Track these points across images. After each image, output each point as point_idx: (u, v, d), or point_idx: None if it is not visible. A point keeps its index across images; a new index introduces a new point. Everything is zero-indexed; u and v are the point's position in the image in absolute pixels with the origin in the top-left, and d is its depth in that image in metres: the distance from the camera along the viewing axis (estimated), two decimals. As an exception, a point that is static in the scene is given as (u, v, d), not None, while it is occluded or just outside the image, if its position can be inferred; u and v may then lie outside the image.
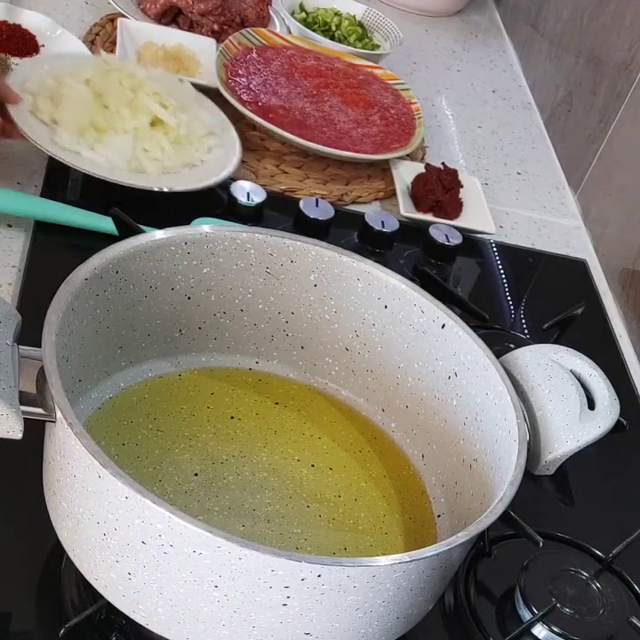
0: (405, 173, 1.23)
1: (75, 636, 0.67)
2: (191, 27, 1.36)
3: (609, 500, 0.93)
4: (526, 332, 1.09)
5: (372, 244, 1.13)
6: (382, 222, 1.14)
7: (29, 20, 1.23)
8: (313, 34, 1.43)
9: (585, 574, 0.78)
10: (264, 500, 0.73)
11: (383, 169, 1.24)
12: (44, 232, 0.98)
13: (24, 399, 0.61)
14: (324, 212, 1.11)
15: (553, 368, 0.78)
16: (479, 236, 1.21)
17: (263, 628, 0.60)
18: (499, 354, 0.77)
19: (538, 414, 0.76)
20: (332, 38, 1.45)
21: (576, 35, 1.52)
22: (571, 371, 0.79)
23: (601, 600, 0.77)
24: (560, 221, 1.33)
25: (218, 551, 0.56)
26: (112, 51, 1.25)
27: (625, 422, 0.93)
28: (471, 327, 0.77)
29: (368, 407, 0.83)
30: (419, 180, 1.20)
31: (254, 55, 1.31)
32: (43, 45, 1.22)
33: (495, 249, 1.21)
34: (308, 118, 1.24)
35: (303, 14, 1.49)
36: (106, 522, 0.60)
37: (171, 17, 1.37)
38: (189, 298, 0.77)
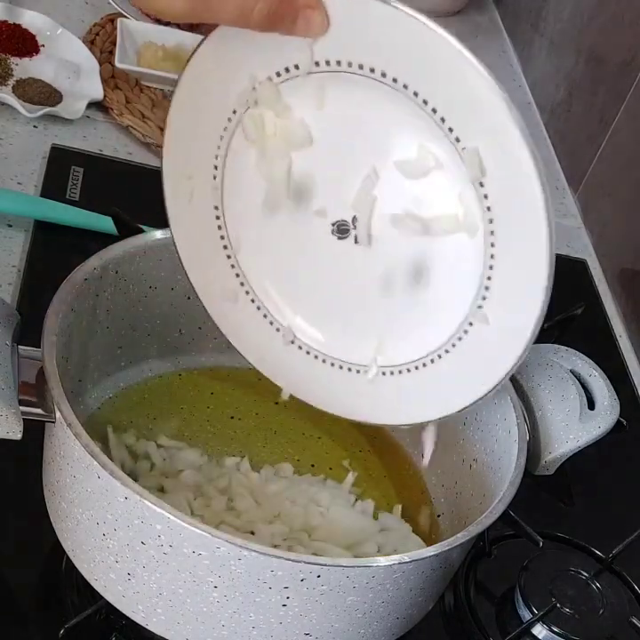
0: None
1: (74, 636, 0.67)
2: (191, 27, 1.36)
3: (609, 500, 0.92)
4: (526, 331, 1.08)
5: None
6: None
7: (29, 19, 1.23)
8: (313, 34, 1.42)
9: (585, 574, 0.78)
10: (264, 501, 0.73)
11: (383, 169, 1.24)
12: (43, 232, 0.98)
13: (23, 399, 0.61)
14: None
15: (553, 368, 0.78)
16: (479, 235, 1.21)
17: (263, 629, 0.60)
18: (499, 354, 0.77)
19: (538, 414, 0.76)
20: (332, 38, 1.44)
21: (576, 35, 1.52)
22: (571, 371, 0.79)
23: (601, 600, 0.77)
24: (560, 221, 1.33)
25: (217, 552, 0.56)
26: (112, 51, 1.25)
27: (625, 422, 0.93)
28: (471, 327, 0.76)
29: (368, 407, 0.82)
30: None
31: (254, 55, 1.31)
32: (43, 45, 1.22)
33: (495, 249, 1.21)
34: (308, 118, 1.23)
35: (303, 14, 1.49)
36: (105, 522, 0.60)
37: (171, 17, 1.37)
38: (189, 298, 0.77)
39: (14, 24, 1.22)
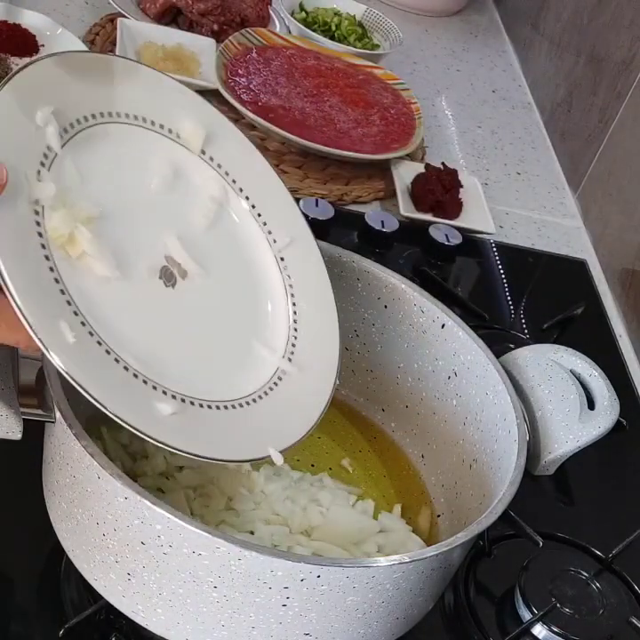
0: (405, 173, 1.22)
1: (74, 636, 0.67)
2: (191, 27, 1.36)
3: (609, 499, 0.92)
4: (526, 332, 1.08)
5: (372, 244, 1.13)
6: (382, 222, 1.14)
7: (29, 19, 1.23)
8: (313, 34, 1.43)
9: (585, 574, 0.78)
10: (264, 501, 0.73)
11: (383, 169, 1.24)
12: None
13: (23, 399, 0.61)
14: (323, 211, 1.11)
15: (553, 368, 0.78)
16: (479, 235, 1.21)
17: (263, 629, 0.60)
18: (499, 354, 0.77)
19: (538, 414, 0.76)
20: (332, 38, 1.45)
21: (576, 35, 1.52)
22: (571, 371, 0.79)
23: (601, 600, 0.77)
24: (560, 221, 1.33)
25: (217, 552, 0.56)
26: (112, 51, 1.25)
27: (625, 422, 0.94)
28: (471, 327, 0.77)
29: (368, 407, 0.83)
30: (419, 179, 1.20)
31: (254, 55, 1.31)
32: (43, 45, 1.22)
33: (495, 249, 1.21)
34: (308, 118, 1.24)
35: (303, 14, 1.49)
36: (105, 522, 0.60)
37: (171, 17, 1.37)
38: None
39: (14, 24, 1.22)
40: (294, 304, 0.70)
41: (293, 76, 1.30)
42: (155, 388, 0.60)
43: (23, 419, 0.60)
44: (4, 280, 0.54)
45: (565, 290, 1.20)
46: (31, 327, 0.54)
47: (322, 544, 0.68)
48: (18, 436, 0.60)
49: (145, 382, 0.59)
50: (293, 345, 0.69)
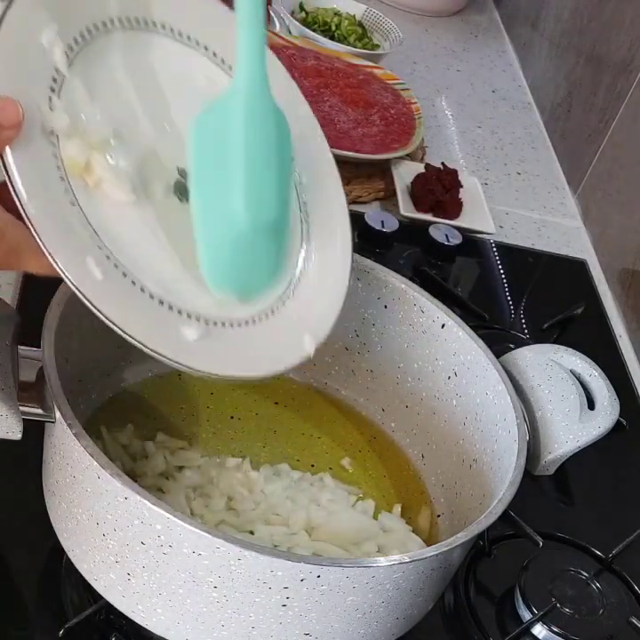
0: (405, 173, 1.22)
1: (74, 636, 0.67)
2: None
3: (609, 499, 0.93)
4: (526, 332, 1.09)
5: (372, 244, 1.13)
6: (382, 222, 1.14)
7: (29, 20, 1.23)
8: (313, 34, 1.43)
9: (585, 574, 0.78)
10: (264, 501, 0.73)
11: (383, 169, 1.24)
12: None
13: (23, 399, 0.61)
14: (323, 211, 1.11)
15: (553, 368, 0.78)
16: (479, 235, 1.21)
17: (262, 629, 0.60)
18: (499, 354, 0.77)
19: (538, 414, 0.76)
20: (332, 38, 1.45)
21: (576, 35, 1.52)
22: (571, 371, 0.79)
23: (601, 600, 0.77)
24: (560, 221, 1.33)
25: (217, 552, 0.56)
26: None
27: (625, 422, 0.94)
28: (471, 327, 0.77)
29: (368, 407, 0.83)
30: (419, 179, 1.20)
31: (254, 55, 1.31)
32: (42, 45, 1.22)
33: (495, 249, 1.21)
34: (308, 118, 1.24)
35: (303, 14, 1.49)
36: (105, 522, 0.60)
37: (171, 17, 1.37)
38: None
39: (14, 24, 1.21)
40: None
41: (293, 76, 1.30)
42: (180, 312, 0.59)
43: (23, 419, 0.60)
44: (31, 225, 0.52)
45: (565, 290, 1.20)
46: (60, 267, 0.53)
47: (322, 544, 0.68)
48: (18, 436, 0.60)
49: (170, 308, 0.58)
50: (308, 236, 0.68)
